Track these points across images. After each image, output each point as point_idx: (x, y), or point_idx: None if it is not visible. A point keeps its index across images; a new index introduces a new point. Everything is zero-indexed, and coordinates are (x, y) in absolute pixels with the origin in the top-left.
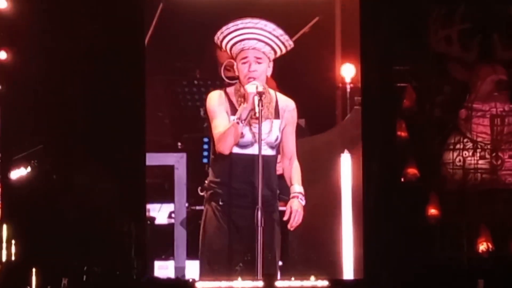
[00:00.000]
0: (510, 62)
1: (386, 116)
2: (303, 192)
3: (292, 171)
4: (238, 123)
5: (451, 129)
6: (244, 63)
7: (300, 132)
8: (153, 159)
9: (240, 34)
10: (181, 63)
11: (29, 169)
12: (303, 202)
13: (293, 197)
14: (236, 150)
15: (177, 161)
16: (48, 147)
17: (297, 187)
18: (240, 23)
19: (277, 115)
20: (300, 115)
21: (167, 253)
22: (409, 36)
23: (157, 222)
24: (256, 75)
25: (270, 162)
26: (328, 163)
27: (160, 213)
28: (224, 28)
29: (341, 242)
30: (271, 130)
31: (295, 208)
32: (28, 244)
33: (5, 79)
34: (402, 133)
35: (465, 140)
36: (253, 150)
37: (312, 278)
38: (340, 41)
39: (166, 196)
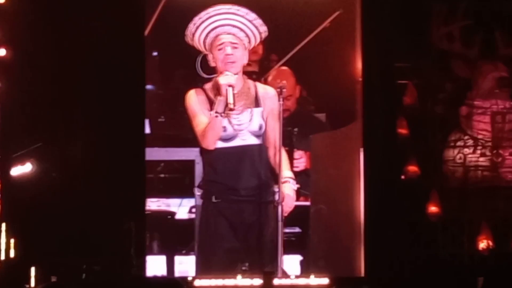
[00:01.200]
0: (511, 59)
1: (387, 113)
2: (293, 177)
3: (280, 158)
4: (216, 116)
5: (452, 127)
6: (220, 49)
7: (320, 127)
8: (174, 153)
9: (213, 21)
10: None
11: (28, 166)
12: (295, 187)
13: (284, 182)
14: (220, 144)
15: (198, 155)
16: (47, 144)
17: (287, 172)
18: (212, 10)
19: (257, 103)
20: (320, 109)
21: (188, 248)
22: (410, 33)
23: (177, 217)
24: (234, 59)
25: (256, 151)
26: (348, 158)
27: (180, 208)
28: (196, 18)
29: (361, 237)
30: (252, 118)
31: (287, 193)
32: (28, 242)
33: (5, 76)
34: (403, 131)
35: (466, 137)
36: (236, 142)
37: (312, 276)
38: (361, 35)
39: (187, 191)
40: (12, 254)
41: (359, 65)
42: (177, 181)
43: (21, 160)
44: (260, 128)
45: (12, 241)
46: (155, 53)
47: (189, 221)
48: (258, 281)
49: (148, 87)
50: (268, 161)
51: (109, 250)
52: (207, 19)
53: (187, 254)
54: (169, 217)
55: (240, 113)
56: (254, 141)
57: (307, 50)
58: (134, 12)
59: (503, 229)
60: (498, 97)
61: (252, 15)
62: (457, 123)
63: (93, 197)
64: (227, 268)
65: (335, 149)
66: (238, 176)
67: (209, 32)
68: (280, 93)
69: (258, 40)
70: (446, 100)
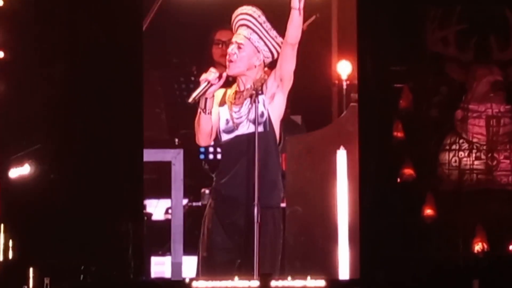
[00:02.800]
0: (506, 63)
1: (383, 116)
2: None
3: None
4: (200, 112)
5: (448, 130)
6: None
7: (296, 129)
8: (150, 155)
9: (238, 20)
10: (178, 59)
11: (27, 168)
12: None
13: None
14: (224, 137)
15: (174, 157)
16: (46, 146)
17: None
18: (239, 9)
19: (261, 90)
20: (296, 111)
21: (164, 249)
22: (406, 36)
23: (154, 218)
24: (233, 58)
25: (260, 139)
26: (324, 160)
27: (156, 209)
28: (233, 14)
29: (337, 239)
30: (252, 107)
31: None
32: (26, 243)
33: (3, 78)
34: (399, 134)
35: (461, 140)
36: (237, 132)
37: (309, 277)
38: (337, 38)
39: (163, 192)
40: (10, 255)
41: (334, 67)
42: (153, 183)
43: (19, 162)
44: (262, 115)
45: (10, 242)
46: None
47: (165, 222)
48: (255, 283)
49: None
50: (277, 152)
51: (107, 251)
52: (236, 16)
53: (163, 255)
54: (145, 218)
55: (240, 107)
56: (254, 129)
57: None
58: (132, 13)
59: (498, 232)
60: (493, 101)
61: (262, 18)
62: (452, 126)
63: (91, 199)
64: (224, 270)
65: (311, 151)
66: (240, 169)
67: (236, 30)
68: (260, 88)
69: (275, 43)
70: (441, 104)
